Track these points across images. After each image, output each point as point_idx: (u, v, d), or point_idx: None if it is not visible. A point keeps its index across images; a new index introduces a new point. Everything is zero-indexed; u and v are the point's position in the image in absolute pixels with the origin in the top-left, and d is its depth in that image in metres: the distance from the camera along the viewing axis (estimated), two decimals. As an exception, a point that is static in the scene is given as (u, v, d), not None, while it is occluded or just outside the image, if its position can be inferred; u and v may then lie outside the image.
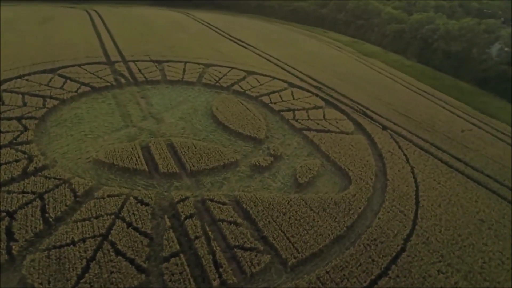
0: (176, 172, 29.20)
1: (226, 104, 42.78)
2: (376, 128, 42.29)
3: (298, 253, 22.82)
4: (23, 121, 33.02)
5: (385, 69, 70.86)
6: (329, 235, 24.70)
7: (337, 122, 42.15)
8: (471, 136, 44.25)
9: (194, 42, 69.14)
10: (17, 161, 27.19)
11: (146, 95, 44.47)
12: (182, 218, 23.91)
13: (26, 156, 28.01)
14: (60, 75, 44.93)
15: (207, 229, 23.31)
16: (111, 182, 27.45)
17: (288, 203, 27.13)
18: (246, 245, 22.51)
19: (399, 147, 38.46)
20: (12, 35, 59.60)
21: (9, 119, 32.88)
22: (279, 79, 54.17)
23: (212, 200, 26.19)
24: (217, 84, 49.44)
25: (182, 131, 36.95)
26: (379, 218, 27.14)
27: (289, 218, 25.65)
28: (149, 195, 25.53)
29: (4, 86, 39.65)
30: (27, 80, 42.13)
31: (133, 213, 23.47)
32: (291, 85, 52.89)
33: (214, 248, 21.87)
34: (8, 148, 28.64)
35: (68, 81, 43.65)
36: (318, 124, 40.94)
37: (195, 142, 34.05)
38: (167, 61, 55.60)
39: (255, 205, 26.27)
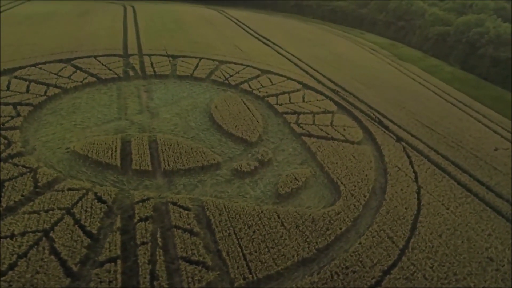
0: (149, 170, 27.82)
1: (228, 103, 40.84)
2: (388, 139, 37.83)
3: (250, 273, 20.19)
4: (19, 108, 33.69)
5: (420, 75, 64.56)
6: (293, 256, 21.72)
7: (344, 130, 38.35)
8: (505, 156, 37.98)
9: (218, 39, 68.14)
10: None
11: (151, 89, 43.95)
12: (136, 221, 22.35)
13: (6, 141, 28.24)
14: (73, 65, 45.90)
15: (158, 235, 21.50)
16: (80, 175, 26.75)
17: (258, 215, 24.50)
18: (193, 258, 20.37)
19: (410, 162, 33.87)
20: (44, 26, 62.71)
21: (6, 104, 33.72)
22: (294, 80, 51.14)
23: (174, 204, 24.38)
24: (226, 81, 47.65)
25: (173, 127, 35.64)
26: (360, 243, 23.52)
27: (254, 232, 23.04)
28: (111, 192, 24.34)
29: (16, 73, 41.16)
30: (40, 68, 43.49)
31: (85, 210, 22.38)
32: (306, 86, 49.62)
33: (157, 258, 20.00)
34: (-6, 132, 29.14)
35: (78, 71, 44.40)
36: (322, 130, 37.50)
37: (180, 140, 32.50)
38: (183, 56, 54.95)
39: (219, 214, 24.00)
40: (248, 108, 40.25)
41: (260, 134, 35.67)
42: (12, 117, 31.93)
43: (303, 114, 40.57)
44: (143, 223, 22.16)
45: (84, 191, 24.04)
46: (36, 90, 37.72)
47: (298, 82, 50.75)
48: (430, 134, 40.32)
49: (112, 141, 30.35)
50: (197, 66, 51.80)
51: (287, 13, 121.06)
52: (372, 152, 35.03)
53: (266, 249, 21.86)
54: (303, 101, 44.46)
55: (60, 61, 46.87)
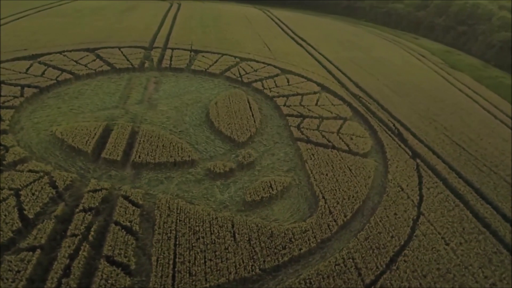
0: (117, 160, 26.91)
1: (231, 100, 38.85)
2: (402, 154, 32.66)
3: (172, 286, 17.88)
4: (26, 89, 35.28)
5: (471, 86, 56.18)
6: (230, 274, 18.91)
7: (351, 139, 34.04)
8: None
9: (249, 37, 66.68)
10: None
11: (160, 81, 43.73)
12: (77, 210, 21.37)
13: None
14: (96, 54, 47.58)
15: (92, 229, 20.23)
16: (51, 158, 26.76)
17: (209, 222, 22.06)
18: (117, 259, 18.67)
19: (420, 183, 28.65)
20: (87, 19, 66.70)
21: (16, 85, 35.52)
22: (313, 82, 47.47)
23: (126, 198, 23.01)
24: (239, 79, 45.75)
25: (166, 120, 34.65)
26: (317, 270, 19.83)
27: (197, 240, 20.67)
28: (66, 179, 23.76)
29: (41, 58, 43.64)
30: (64, 55, 45.69)
31: (33, 193, 21.98)
32: (325, 89, 45.71)
33: (81, 253, 18.66)
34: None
35: (98, 60, 45.84)
36: (324, 137, 33.67)
37: (163, 133, 31.30)
38: (206, 52, 54.31)
39: (168, 215, 22.05)
40: (250, 108, 37.83)
41: (252, 135, 33.05)
42: (15, 97, 33.42)
43: (309, 118, 37.00)
44: (83, 214, 21.05)
45: (42, 174, 23.77)
46: (50, 75, 39.41)
47: (318, 84, 46.99)
48: (459, 153, 34.02)
49: (94, 128, 30.13)
50: (216, 61, 50.70)
51: (338, 15, 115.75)
52: (375, 166, 30.38)
53: (202, 261, 19.35)
54: (316, 104, 40.74)
55: (87, 50, 48.86)
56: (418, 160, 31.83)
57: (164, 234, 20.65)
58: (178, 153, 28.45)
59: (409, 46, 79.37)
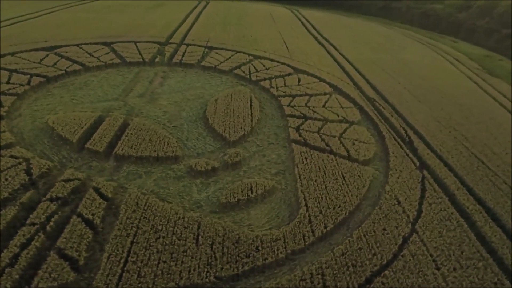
0: (100, 152, 26.61)
1: (232, 98, 37.67)
2: (408, 164, 29.61)
3: (117, 286, 16.90)
4: (34, 78, 36.37)
5: (507, 94, 50.62)
6: (181, 279, 17.60)
7: (353, 144, 31.50)
8: None
9: (269, 35, 65.26)
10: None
11: (168, 75, 43.53)
12: (44, 199, 21.13)
13: None
14: (111, 48, 48.52)
15: (53, 219, 19.83)
16: (38, 145, 27.06)
17: (175, 221, 20.92)
18: (67, 252, 18.05)
19: (421, 198, 25.62)
20: (113, 15, 68.67)
21: (26, 74, 36.74)
22: (326, 82, 45.06)
23: (96, 190, 22.50)
24: (247, 76, 44.47)
25: (162, 114, 34.18)
26: (278, 284, 17.96)
27: (156, 239, 19.59)
28: (43, 167, 23.73)
29: (57, 50, 45.17)
30: (80, 48, 46.98)
31: (6, 179, 22.07)
32: (337, 91, 43.19)
33: (33, 243, 18.27)
34: (-5, 96, 31.75)
35: (111, 53, 46.66)
36: (323, 140, 31.44)
37: (154, 127, 30.73)
38: (221, 49, 53.64)
39: (134, 211, 21.21)
40: (251, 106, 36.35)
41: (245, 134, 31.57)
42: (21, 85, 34.49)
43: (311, 120, 34.85)
44: (49, 203, 20.74)
45: (21, 160, 23.94)
46: (61, 65, 40.50)
47: (331, 85, 44.50)
48: (476, 167, 30.25)
49: (86, 119, 30.22)
50: (228, 58, 49.85)
51: (372, 16, 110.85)
52: (373, 175, 27.69)
53: (156, 262, 18.21)
54: (323, 106, 38.38)
55: (104, 43, 49.97)
56: (425, 172, 28.61)
57: (124, 230, 19.78)
58: (162, 148, 27.67)
59: (444, 49, 73.72)
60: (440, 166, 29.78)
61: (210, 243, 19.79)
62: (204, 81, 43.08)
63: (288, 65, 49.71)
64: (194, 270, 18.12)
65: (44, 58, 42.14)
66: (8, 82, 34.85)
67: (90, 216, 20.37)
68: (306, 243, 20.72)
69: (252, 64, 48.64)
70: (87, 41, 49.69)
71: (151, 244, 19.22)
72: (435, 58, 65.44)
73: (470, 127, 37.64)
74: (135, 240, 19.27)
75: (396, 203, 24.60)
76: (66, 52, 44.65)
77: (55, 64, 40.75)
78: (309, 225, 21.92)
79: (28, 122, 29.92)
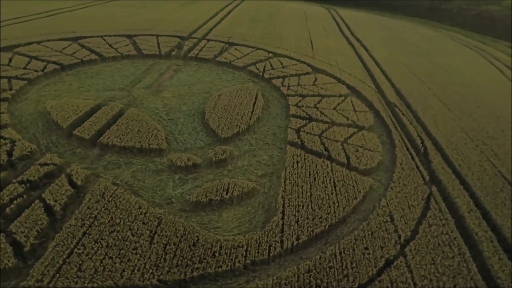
0: (85, 139, 26.50)
1: (237, 94, 36.28)
2: (416, 178, 26.12)
3: (52, 278, 16.15)
4: (49, 65, 37.71)
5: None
6: (122, 278, 16.44)
7: (357, 151, 28.59)
8: None
9: (296, 34, 63.14)
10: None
11: (180, 69, 43.20)
12: (14, 181, 21.17)
13: (7, 86, 31.63)
14: (132, 41, 49.41)
15: (15, 201, 19.72)
16: (31, 128, 27.60)
17: (136, 216, 19.88)
18: (17, 237, 17.70)
19: (421, 217, 22.25)
20: (144, 9, 70.42)
21: (43, 61, 38.25)
22: (344, 84, 42.05)
23: (68, 176, 22.21)
24: (260, 74, 42.83)
25: (162, 107, 33.69)
26: (224, 298, 16.15)
27: (110, 233, 18.65)
28: (25, 149, 23.96)
29: (80, 40, 46.77)
30: (103, 39, 48.35)
31: (-14, 158, 22.54)
32: (355, 93, 40.09)
33: (-11, 223, 18.20)
34: (6, 80, 33.15)
35: (130, 45, 47.46)
36: (323, 144, 28.90)
37: (148, 119, 30.18)
38: (241, 45, 52.58)
39: (97, 201, 20.51)
40: (254, 104, 34.65)
41: (240, 132, 29.92)
42: (36, 71, 35.84)
43: (316, 122, 32.33)
44: (17, 185, 20.73)
45: (7, 142, 24.41)
46: (79, 55, 41.73)
47: (349, 86, 41.42)
48: (500, 188, 25.89)
49: (84, 106, 30.42)
50: (246, 55, 48.67)
51: (419, 17, 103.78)
52: (372, 187, 24.70)
53: (101, 257, 17.23)
54: (334, 108, 35.57)
55: (127, 36, 51.07)
56: (434, 188, 24.95)
57: (80, 220, 19.10)
58: (148, 140, 26.93)
59: (495, 55, 66.39)
60: (454, 183, 25.86)
61: (165, 243, 18.44)
62: (215, 76, 42.08)
63: (308, 64, 47.27)
64: (138, 270, 16.87)
65: (67, 47, 43.69)
66: (25, 68, 36.36)
67: (52, 203, 19.96)
68: (271, 254, 18.59)
69: (269, 62, 46.88)
70: (110, 33, 51.00)
71: (103, 237, 18.30)
72: (480, 64, 58.93)
73: (503, 142, 32.70)
74: (87, 232, 18.46)
75: (389, 220, 21.53)
76: (89, 43, 46.05)
77: (74, 53, 42.07)
78: (279, 235, 19.75)
79: (31, 106, 30.79)
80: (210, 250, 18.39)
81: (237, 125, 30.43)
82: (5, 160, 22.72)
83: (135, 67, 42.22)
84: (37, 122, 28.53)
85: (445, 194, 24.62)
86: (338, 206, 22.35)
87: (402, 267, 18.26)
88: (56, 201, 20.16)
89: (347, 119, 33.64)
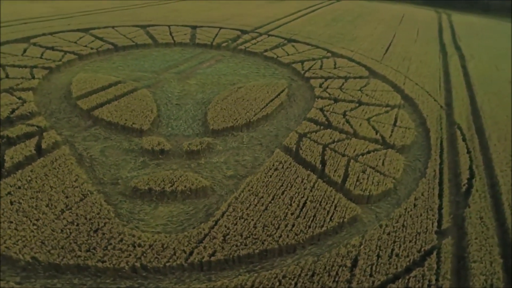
0: (83, 109, 27.36)
1: (261, 89, 33.32)
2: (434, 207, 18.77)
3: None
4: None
5: None
6: (52, 261, 15.59)
7: (363, 172, 22.43)
8: None
9: (377, 37, 56.65)
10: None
11: (222, 60, 42.29)
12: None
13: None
14: (194, 31, 50.75)
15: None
16: (53, 94, 30.03)
17: (64, 189, 19.06)
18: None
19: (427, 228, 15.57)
20: (226, 5, 72.17)
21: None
22: (399, 92, 34.72)
23: (39, 138, 23.02)
24: (302, 72, 38.67)
25: (178, 92, 33.00)
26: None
27: (30, 205, 18.26)
28: (28, 109, 25.95)
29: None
30: (168, 28, 50.96)
31: (-7, 111, 25.13)
32: (411, 105, 32.66)
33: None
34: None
35: (188, 34, 48.80)
36: (327, 156, 23.62)
37: (151, 100, 29.73)
38: (301, 42, 49.23)
39: (42, 167, 20.46)
40: (271, 101, 31.02)
41: (234, 126, 26.84)
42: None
43: (332, 130, 26.86)
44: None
45: (20, 101, 26.92)
46: (138, 40, 44.60)
47: (404, 96, 33.83)
48: None
49: (104, 81, 31.83)
50: (299, 52, 45.38)
51: None
52: (359, 213, 18.71)
53: (6, 226, 16.83)
54: (365, 117, 29.20)
55: (192, 27, 52.90)
56: (452, 216, 17.31)
57: (16, 180, 19.24)
58: (135, 119, 26.29)
59: None
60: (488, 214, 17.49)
61: (70, 221, 17.02)
62: (253, 69, 39.69)
63: (367, 68, 40.68)
64: (22, 241, 15.81)
65: (131, 32, 47.27)
66: (90, 47, 40.20)
67: (7, 159, 20.72)
68: (167, 264, 15.31)
69: (321, 61, 41.93)
70: (179, 23, 53.38)
71: (20, 201, 17.92)
72: None
73: None
74: (11, 192, 18.38)
75: (384, 228, 15.58)
76: (154, 30, 48.98)
77: (134, 37, 45.16)
78: (193, 245, 16.23)
79: (69, 75, 33.53)
80: (107, 241, 16.16)
81: (235, 120, 27.34)
82: (5, 116, 24.85)
83: (181, 54, 42.95)
84: (60, 90, 30.95)
85: (465, 232, 16.75)
86: (290, 230, 17.36)
87: None
88: (12, 158, 20.85)
89: (376, 132, 26.87)
